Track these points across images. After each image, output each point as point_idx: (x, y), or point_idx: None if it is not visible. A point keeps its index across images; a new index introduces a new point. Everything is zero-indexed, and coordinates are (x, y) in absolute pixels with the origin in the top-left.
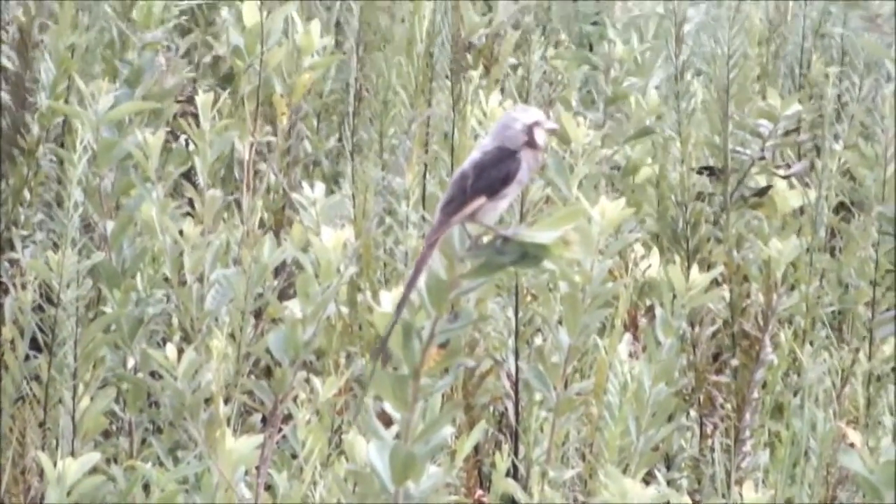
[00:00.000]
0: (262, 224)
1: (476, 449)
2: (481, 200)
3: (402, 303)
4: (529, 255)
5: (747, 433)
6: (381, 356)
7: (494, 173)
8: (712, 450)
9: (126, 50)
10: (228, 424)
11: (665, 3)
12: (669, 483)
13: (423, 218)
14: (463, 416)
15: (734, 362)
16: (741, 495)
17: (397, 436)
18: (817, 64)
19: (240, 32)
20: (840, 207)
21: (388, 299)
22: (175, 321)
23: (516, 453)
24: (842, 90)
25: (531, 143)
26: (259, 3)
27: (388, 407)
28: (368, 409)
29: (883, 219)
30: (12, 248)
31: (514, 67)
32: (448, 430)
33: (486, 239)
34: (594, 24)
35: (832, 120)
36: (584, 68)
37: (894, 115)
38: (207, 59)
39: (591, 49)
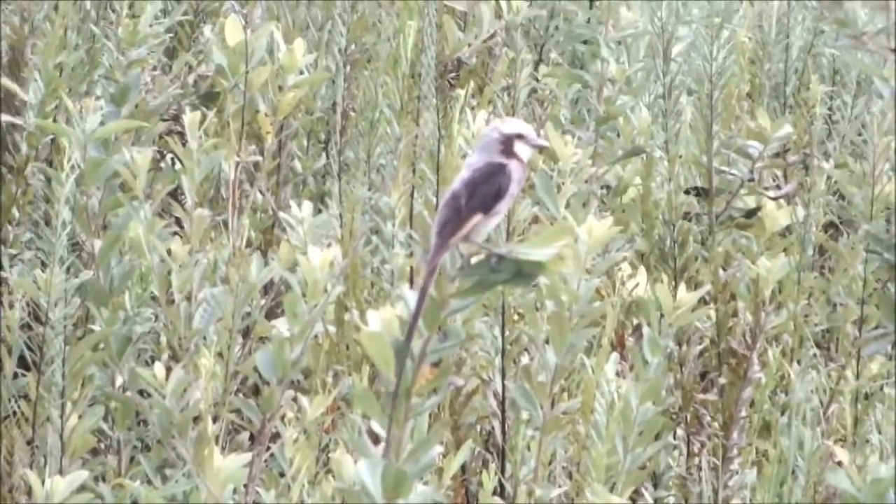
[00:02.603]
0: (249, 243)
1: (463, 468)
2: (477, 218)
3: (411, 331)
4: (524, 272)
5: (735, 451)
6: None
7: (486, 189)
8: (699, 468)
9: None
10: (216, 443)
11: (655, 23)
12: (656, 502)
13: (410, 237)
14: (450, 435)
15: (721, 381)
16: None
17: (383, 454)
18: (810, 83)
19: (223, 52)
20: (829, 226)
21: (376, 319)
22: (163, 340)
23: (503, 472)
24: (833, 109)
25: (511, 153)
26: (243, 22)
27: (376, 425)
28: (358, 427)
29: (871, 237)
30: (0, 266)
31: (507, 88)
32: (437, 449)
33: (478, 257)
34: (585, 42)
35: (822, 138)
36: (575, 86)
37: (882, 134)
38: (191, 77)
39: (581, 67)
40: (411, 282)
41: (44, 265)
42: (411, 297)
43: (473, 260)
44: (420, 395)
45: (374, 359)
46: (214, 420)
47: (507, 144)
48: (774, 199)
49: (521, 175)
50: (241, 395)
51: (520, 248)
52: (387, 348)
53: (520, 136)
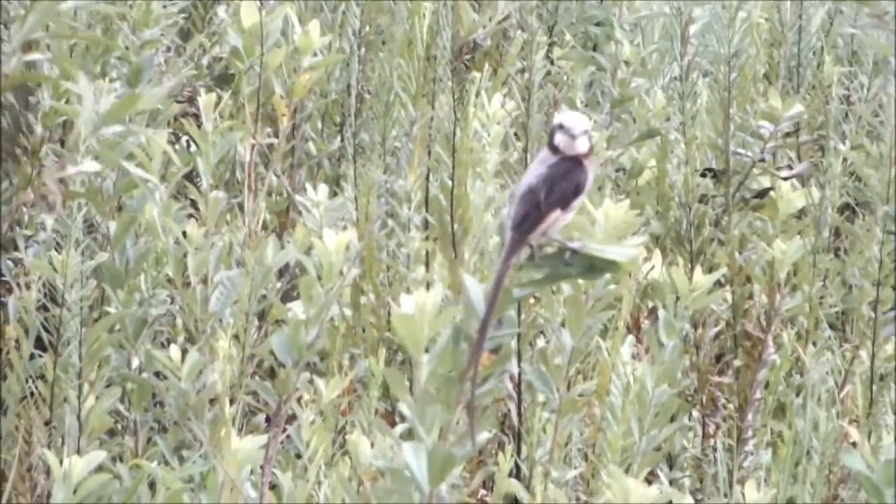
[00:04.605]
0: (265, 226)
1: (479, 450)
2: (556, 214)
3: (486, 322)
4: (596, 268)
5: (749, 433)
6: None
7: (566, 185)
8: (714, 450)
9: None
10: (233, 424)
11: (671, 4)
12: (672, 483)
13: (426, 220)
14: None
15: (737, 363)
16: (743, 495)
17: (402, 436)
18: (826, 64)
19: (238, 33)
20: (844, 208)
21: (410, 302)
22: (179, 322)
23: (519, 454)
24: (850, 90)
25: (552, 145)
26: (258, 3)
27: (404, 407)
28: (375, 409)
29: (888, 219)
30: (16, 247)
31: (522, 70)
32: (485, 435)
33: (549, 249)
34: (598, 24)
35: (838, 120)
36: (589, 69)
37: None
38: (206, 59)
39: (595, 49)
40: (427, 265)
41: (59, 247)
42: (472, 284)
43: (542, 252)
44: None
45: (404, 340)
46: (231, 402)
47: (551, 135)
48: (786, 178)
49: (595, 171)
50: (257, 377)
51: (594, 245)
52: (418, 330)
53: (560, 127)
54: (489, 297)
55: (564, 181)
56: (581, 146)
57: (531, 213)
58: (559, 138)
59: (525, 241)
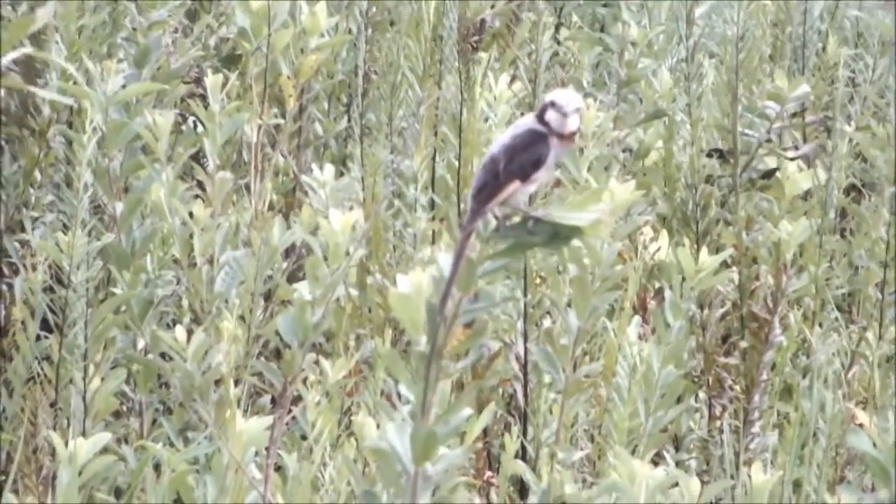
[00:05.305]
0: (271, 206)
1: (485, 431)
2: (515, 185)
3: (446, 294)
4: (561, 235)
5: (756, 414)
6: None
7: (525, 157)
8: (721, 431)
9: (120, 30)
10: (238, 406)
11: None
12: (678, 464)
13: (433, 200)
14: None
15: (743, 344)
16: (750, 476)
17: (410, 416)
18: (831, 45)
19: (245, 14)
20: (850, 189)
21: (405, 281)
22: (185, 303)
23: (525, 435)
24: (855, 71)
25: (543, 121)
26: None
27: (402, 388)
28: (380, 390)
29: (894, 200)
30: (22, 229)
31: (529, 52)
32: (467, 412)
33: (514, 220)
34: (605, 5)
35: (844, 101)
36: (596, 50)
37: None
38: (213, 40)
39: (602, 30)
40: (433, 245)
41: (66, 228)
42: (445, 259)
43: (508, 222)
44: (450, 357)
45: (402, 321)
46: (236, 383)
47: (542, 111)
48: (792, 159)
49: (563, 148)
50: (262, 358)
51: (557, 212)
52: (415, 310)
53: (552, 104)
54: (451, 267)
55: (525, 153)
56: (572, 124)
57: (489, 183)
58: (550, 115)
59: (483, 209)
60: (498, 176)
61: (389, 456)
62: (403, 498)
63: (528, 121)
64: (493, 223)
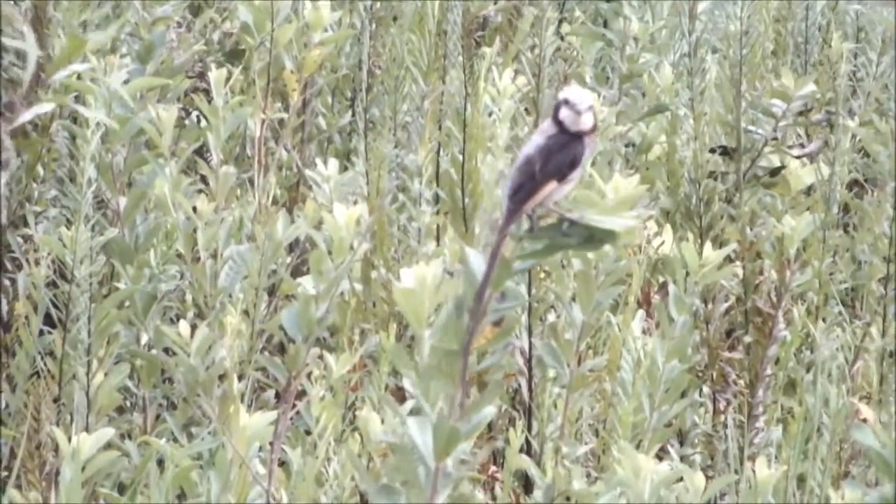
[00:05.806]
0: (275, 201)
1: (490, 425)
2: (552, 185)
3: (482, 293)
4: (595, 238)
5: (760, 409)
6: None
7: (561, 157)
8: (725, 426)
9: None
10: (242, 401)
11: None
12: (682, 459)
13: (437, 195)
14: (477, 393)
15: (747, 339)
16: (754, 471)
17: (410, 412)
18: (834, 40)
19: (249, 9)
20: (853, 184)
21: (410, 275)
22: (188, 297)
23: (530, 429)
24: (858, 66)
25: (557, 119)
26: None
27: (406, 382)
28: (385, 385)
29: None
30: (26, 224)
31: (532, 46)
32: (491, 410)
33: (549, 220)
34: (607, 0)
35: (847, 96)
36: (598, 45)
37: None
38: (216, 35)
39: (605, 25)
40: (438, 240)
41: (69, 223)
42: (475, 257)
43: (542, 223)
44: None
45: (406, 315)
46: (240, 378)
47: (556, 110)
48: (798, 157)
49: (594, 146)
50: (266, 353)
51: (593, 215)
52: (420, 304)
53: (566, 102)
54: (487, 266)
55: (561, 153)
56: (586, 121)
57: (526, 184)
58: (564, 113)
59: (519, 210)
60: (535, 177)
61: (407, 451)
62: (422, 493)
63: (550, 125)
64: (527, 224)
